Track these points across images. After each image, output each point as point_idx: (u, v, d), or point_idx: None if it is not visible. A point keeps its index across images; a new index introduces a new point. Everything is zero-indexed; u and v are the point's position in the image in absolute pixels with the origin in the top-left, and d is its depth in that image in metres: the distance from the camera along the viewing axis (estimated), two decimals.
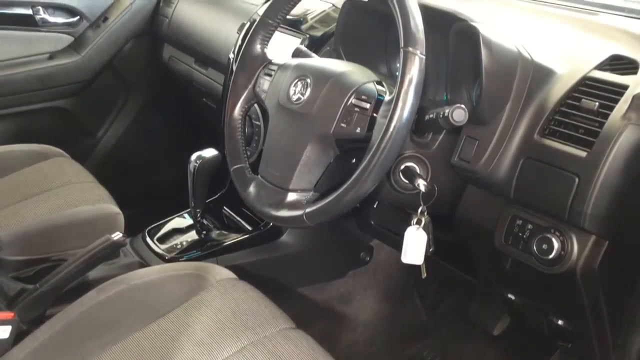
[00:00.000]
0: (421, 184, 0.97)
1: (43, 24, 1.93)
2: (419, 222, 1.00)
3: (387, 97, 0.95)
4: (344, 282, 1.71)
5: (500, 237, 0.99)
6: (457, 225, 1.09)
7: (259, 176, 1.08)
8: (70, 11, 1.97)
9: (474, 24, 0.97)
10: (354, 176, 0.90)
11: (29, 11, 1.90)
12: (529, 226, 0.95)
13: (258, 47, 1.13)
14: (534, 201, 0.95)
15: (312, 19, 1.47)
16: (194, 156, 1.41)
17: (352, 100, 0.96)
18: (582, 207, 0.87)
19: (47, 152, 1.56)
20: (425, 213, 1.00)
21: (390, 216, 1.37)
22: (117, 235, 1.20)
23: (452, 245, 1.16)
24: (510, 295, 1.13)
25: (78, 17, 1.99)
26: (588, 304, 0.97)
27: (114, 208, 1.39)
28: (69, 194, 1.39)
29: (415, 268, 1.04)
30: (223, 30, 1.73)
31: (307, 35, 1.42)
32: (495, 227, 1.00)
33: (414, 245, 1.00)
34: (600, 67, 0.97)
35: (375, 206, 1.35)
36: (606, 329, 1.01)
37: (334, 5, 1.47)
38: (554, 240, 0.92)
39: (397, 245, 1.04)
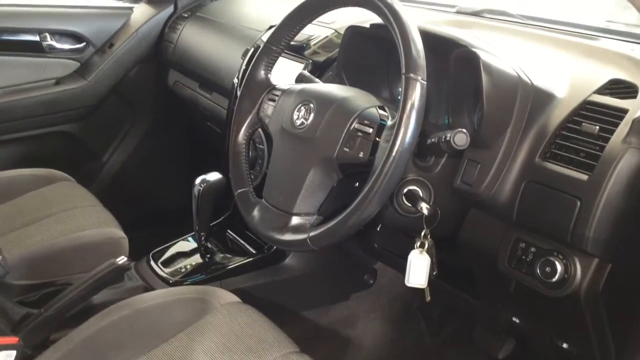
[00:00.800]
0: (424, 207, 0.98)
1: (50, 50, 1.96)
2: (422, 246, 1.00)
3: (389, 122, 0.96)
4: (348, 305, 1.71)
5: (504, 260, 0.99)
6: (460, 248, 1.09)
7: (263, 200, 1.09)
8: (76, 37, 2.00)
9: (474, 49, 0.98)
10: (357, 200, 0.91)
11: (36, 38, 1.93)
12: (532, 249, 0.96)
13: (262, 72, 1.15)
14: (536, 224, 0.95)
15: (315, 44, 1.49)
16: (198, 180, 1.42)
17: (355, 125, 0.97)
18: (584, 231, 0.87)
19: (52, 176, 1.58)
20: (429, 236, 1.01)
21: (393, 239, 1.37)
22: (121, 260, 1.21)
23: (456, 268, 1.17)
24: (514, 319, 1.12)
25: (84, 43, 2.02)
26: (592, 327, 0.96)
27: (118, 232, 1.40)
28: (74, 218, 1.39)
29: (419, 291, 1.04)
30: (227, 56, 1.75)
31: (310, 61, 1.44)
32: (498, 250, 1.00)
33: (418, 269, 1.00)
34: (600, 91, 0.98)
35: (378, 229, 1.35)
36: (611, 353, 1.01)
37: (336, 31, 1.49)
38: (557, 263, 0.92)
39: (401, 268, 1.04)
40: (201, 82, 1.93)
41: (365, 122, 0.97)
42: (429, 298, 1.07)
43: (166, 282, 1.46)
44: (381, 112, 0.99)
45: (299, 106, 1.06)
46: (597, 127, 0.91)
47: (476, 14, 1.50)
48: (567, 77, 1.04)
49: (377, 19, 1.00)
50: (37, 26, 1.93)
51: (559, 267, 0.92)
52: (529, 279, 0.96)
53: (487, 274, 1.08)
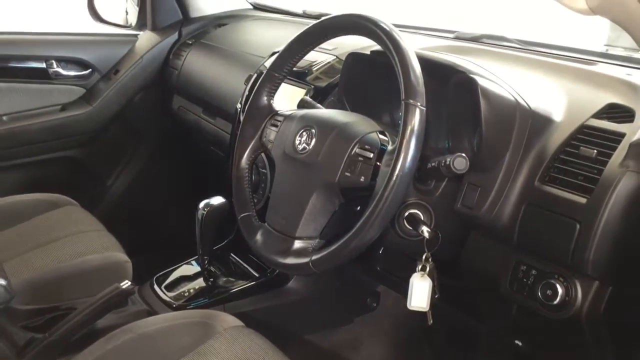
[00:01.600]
0: (425, 231, 0.99)
1: (56, 77, 1.99)
2: (423, 269, 1.01)
3: (389, 147, 0.97)
4: (351, 329, 1.71)
5: (505, 283, 1.00)
6: (462, 271, 1.10)
7: (265, 224, 1.10)
8: (82, 64, 2.03)
9: (472, 75, 1.00)
10: (358, 224, 0.92)
11: (43, 65, 1.96)
12: (533, 272, 0.96)
13: (264, 99, 1.17)
14: (537, 247, 0.96)
15: (316, 70, 1.51)
16: (202, 204, 1.43)
17: (356, 149, 0.99)
18: (584, 253, 0.88)
19: (57, 201, 1.59)
20: (430, 259, 1.01)
21: (395, 262, 1.38)
22: (125, 284, 1.21)
23: (459, 291, 1.17)
24: (517, 342, 1.12)
25: (90, 69, 2.04)
26: (594, 349, 0.96)
27: (122, 256, 1.40)
28: (78, 242, 1.40)
29: (421, 314, 1.04)
30: (231, 82, 1.78)
31: (312, 86, 1.46)
32: (499, 273, 1.01)
33: (419, 292, 1.01)
34: (598, 115, 0.99)
35: (380, 252, 1.36)
36: None
37: (337, 57, 1.51)
38: (558, 286, 0.92)
39: (404, 291, 1.05)
40: (205, 107, 1.95)
41: (366, 147, 0.99)
42: (431, 321, 1.07)
43: (169, 306, 1.46)
44: (382, 137, 1.01)
45: (301, 131, 1.07)
46: (595, 151, 0.92)
47: (475, 39, 1.52)
48: (564, 102, 1.06)
49: (378, 46, 1.03)
50: (43, 53, 1.96)
51: (560, 289, 0.92)
52: (531, 302, 0.96)
53: (489, 296, 1.08)
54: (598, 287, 0.91)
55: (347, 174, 0.99)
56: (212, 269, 1.56)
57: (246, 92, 1.61)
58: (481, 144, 0.99)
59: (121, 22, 2.18)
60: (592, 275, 0.90)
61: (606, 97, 1.03)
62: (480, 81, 0.98)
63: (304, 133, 1.07)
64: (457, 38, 1.56)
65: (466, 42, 1.52)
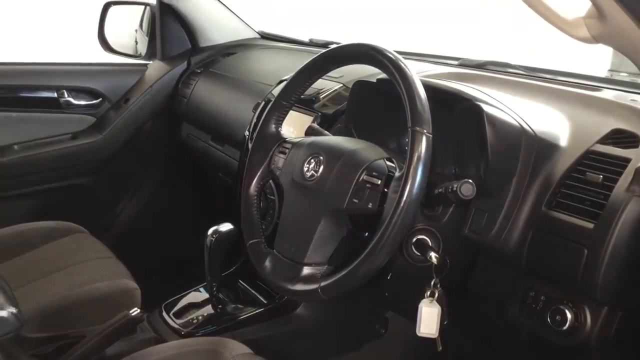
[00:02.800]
0: (433, 257, 0.99)
1: (67, 107, 2.02)
2: (432, 295, 1.01)
3: (397, 174, 0.98)
4: (359, 356, 1.69)
5: (515, 309, 1.00)
6: (471, 297, 1.10)
7: (274, 250, 1.10)
8: (93, 93, 2.06)
9: (477, 102, 1.01)
10: (367, 250, 0.92)
11: (54, 94, 2.00)
12: (542, 297, 0.96)
13: (272, 126, 1.18)
14: (545, 272, 0.96)
15: (324, 97, 1.53)
16: (210, 230, 1.44)
17: (364, 176, 1.00)
18: (592, 278, 0.88)
19: (67, 228, 1.60)
20: (438, 285, 1.01)
21: (404, 288, 1.38)
22: (134, 311, 1.21)
23: (468, 317, 1.16)
24: None
25: (100, 99, 2.07)
26: None
27: (131, 283, 1.41)
28: (87, 270, 1.41)
29: (431, 341, 1.04)
30: (239, 109, 1.80)
31: (319, 113, 1.47)
32: (508, 298, 1.01)
33: (428, 318, 1.01)
34: (603, 141, 1.00)
35: (389, 278, 1.36)
36: None
37: (344, 85, 1.53)
38: (567, 311, 0.92)
39: (412, 317, 1.04)
40: (213, 135, 1.97)
41: (374, 173, 1.00)
42: (441, 348, 1.06)
43: (178, 334, 1.46)
44: (389, 163, 1.02)
45: (309, 159, 1.08)
46: (601, 176, 0.93)
47: (479, 66, 1.54)
48: (569, 127, 1.06)
49: (384, 74, 1.04)
50: (55, 83, 2.00)
51: (569, 315, 0.92)
52: (540, 328, 0.96)
53: (499, 321, 1.08)
54: (607, 312, 0.90)
55: (355, 200, 1.00)
56: (221, 295, 1.56)
57: (254, 120, 1.63)
58: (488, 170, 1.00)
59: (131, 52, 2.23)
60: (601, 301, 0.89)
61: (611, 123, 1.03)
62: (486, 108, 0.99)
63: (312, 160, 1.08)
64: (461, 65, 1.58)
65: (471, 69, 1.54)
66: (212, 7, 2.19)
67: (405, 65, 0.98)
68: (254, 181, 1.18)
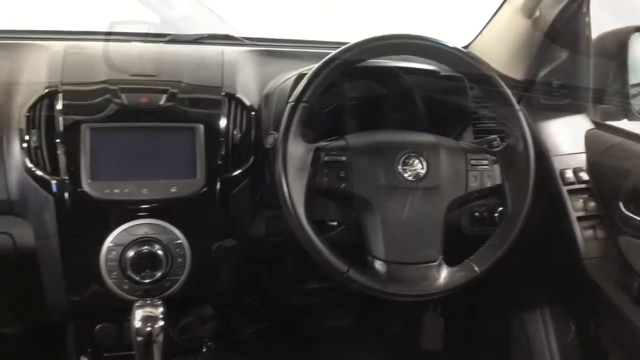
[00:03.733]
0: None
1: None
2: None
3: (500, 147, 1.10)
4: None
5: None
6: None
7: (384, 263, 1.00)
8: None
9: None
10: (506, 219, 1.05)
11: None
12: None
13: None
14: None
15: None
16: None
17: (472, 161, 1.07)
18: None
19: None
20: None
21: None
22: None
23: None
24: None
25: None
26: None
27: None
28: None
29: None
30: None
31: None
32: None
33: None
34: None
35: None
36: None
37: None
38: None
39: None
40: None
41: (476, 156, 1.08)
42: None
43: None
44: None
45: (400, 159, 1.04)
46: None
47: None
48: None
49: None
50: None
51: None
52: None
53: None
54: None
55: (473, 185, 1.05)
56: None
57: None
58: None
59: None
60: None
61: None
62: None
63: (406, 161, 1.04)
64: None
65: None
66: None
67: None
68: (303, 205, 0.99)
